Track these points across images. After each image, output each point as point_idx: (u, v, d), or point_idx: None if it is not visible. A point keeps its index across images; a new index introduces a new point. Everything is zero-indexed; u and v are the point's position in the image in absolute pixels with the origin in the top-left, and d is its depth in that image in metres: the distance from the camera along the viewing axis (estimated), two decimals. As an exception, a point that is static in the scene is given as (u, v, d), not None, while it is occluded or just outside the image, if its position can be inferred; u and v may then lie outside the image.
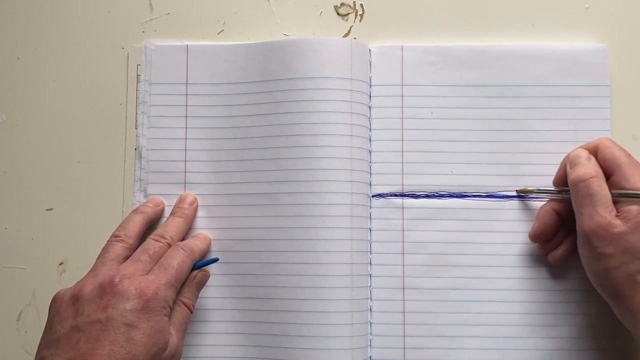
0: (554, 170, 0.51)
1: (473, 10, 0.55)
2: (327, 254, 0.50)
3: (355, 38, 0.55)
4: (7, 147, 0.55)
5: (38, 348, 0.43)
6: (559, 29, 0.54)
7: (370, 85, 0.53)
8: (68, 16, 0.56)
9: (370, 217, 0.52)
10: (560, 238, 0.51)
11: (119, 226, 0.50)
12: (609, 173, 0.46)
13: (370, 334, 0.51)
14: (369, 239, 0.52)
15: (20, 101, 0.55)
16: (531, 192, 0.52)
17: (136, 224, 0.50)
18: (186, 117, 0.54)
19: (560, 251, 0.50)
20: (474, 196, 0.52)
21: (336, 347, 0.49)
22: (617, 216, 0.45)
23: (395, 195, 0.53)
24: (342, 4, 0.56)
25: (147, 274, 0.46)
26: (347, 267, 0.50)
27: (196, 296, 0.49)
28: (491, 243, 0.52)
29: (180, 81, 0.54)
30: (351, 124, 0.51)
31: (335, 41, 0.52)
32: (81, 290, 0.44)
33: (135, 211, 0.51)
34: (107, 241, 0.49)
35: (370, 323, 0.51)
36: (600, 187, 0.45)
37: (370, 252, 0.52)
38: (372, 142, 0.53)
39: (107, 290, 0.43)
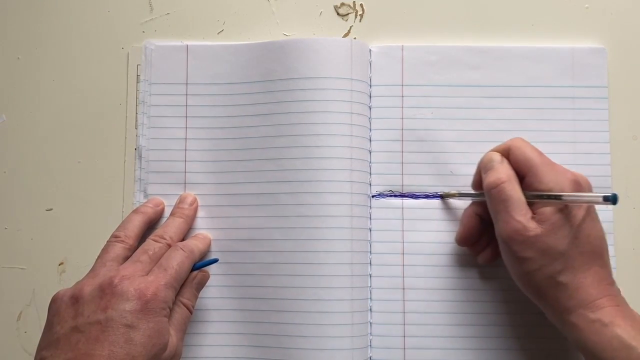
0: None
1: (473, 11, 0.55)
2: (327, 254, 0.50)
3: (355, 38, 0.55)
4: (7, 147, 0.55)
5: (38, 348, 0.43)
6: (558, 30, 0.54)
7: (370, 85, 0.53)
8: (68, 16, 0.56)
9: (370, 217, 0.52)
10: (487, 239, 0.50)
11: (119, 226, 0.50)
12: (522, 174, 0.45)
13: (370, 334, 0.51)
14: (369, 239, 0.52)
15: (20, 101, 0.55)
16: (454, 195, 0.52)
17: (136, 225, 0.50)
18: (186, 117, 0.54)
19: (488, 252, 0.50)
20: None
21: (336, 347, 0.49)
22: (532, 218, 0.44)
23: (395, 196, 0.53)
24: (342, 4, 0.56)
25: (147, 274, 0.45)
26: (347, 267, 0.50)
27: (196, 297, 0.49)
28: (491, 243, 0.52)
29: (180, 81, 0.54)
30: (351, 124, 0.51)
31: (335, 41, 0.52)
32: (81, 290, 0.44)
33: (135, 211, 0.51)
34: (107, 242, 0.49)
35: (370, 323, 0.51)
36: (514, 191, 0.44)
37: (370, 252, 0.52)
38: (372, 142, 0.53)
39: (107, 291, 0.43)
